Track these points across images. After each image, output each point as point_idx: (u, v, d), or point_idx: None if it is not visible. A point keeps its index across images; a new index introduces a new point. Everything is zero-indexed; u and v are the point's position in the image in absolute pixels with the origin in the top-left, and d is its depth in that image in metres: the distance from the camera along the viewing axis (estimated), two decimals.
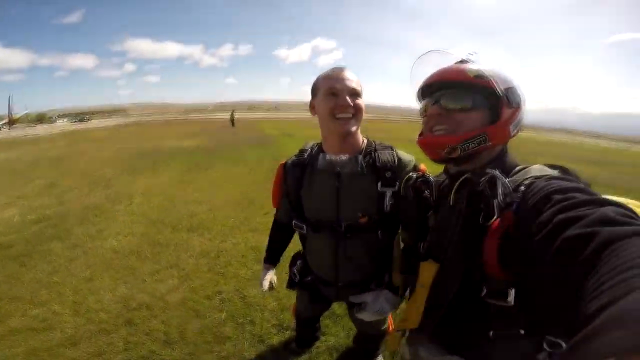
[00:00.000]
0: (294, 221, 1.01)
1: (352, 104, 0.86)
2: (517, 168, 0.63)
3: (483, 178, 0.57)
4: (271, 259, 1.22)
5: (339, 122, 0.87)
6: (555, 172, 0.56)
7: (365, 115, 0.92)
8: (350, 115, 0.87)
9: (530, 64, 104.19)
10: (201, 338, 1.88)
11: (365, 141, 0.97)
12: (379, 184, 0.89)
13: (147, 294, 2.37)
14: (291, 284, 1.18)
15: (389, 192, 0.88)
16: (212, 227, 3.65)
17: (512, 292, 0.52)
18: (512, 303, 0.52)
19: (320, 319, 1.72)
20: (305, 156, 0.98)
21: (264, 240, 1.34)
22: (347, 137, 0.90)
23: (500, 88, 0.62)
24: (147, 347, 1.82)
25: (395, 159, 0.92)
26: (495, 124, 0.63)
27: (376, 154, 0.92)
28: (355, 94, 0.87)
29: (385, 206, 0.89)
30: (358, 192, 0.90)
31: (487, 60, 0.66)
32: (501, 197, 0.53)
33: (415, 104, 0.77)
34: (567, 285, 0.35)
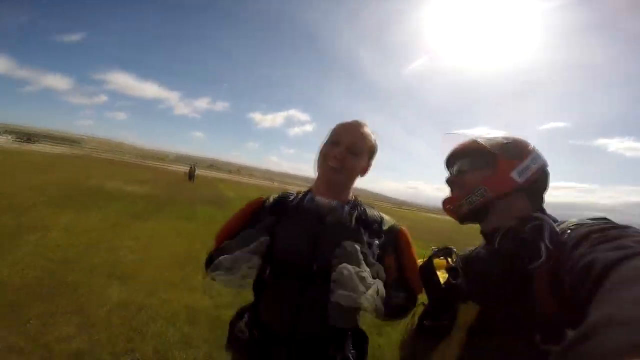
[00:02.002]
0: None
1: (341, 158, 0.88)
2: (559, 221, 0.64)
3: (529, 224, 0.61)
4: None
5: (326, 169, 0.90)
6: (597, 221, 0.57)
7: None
8: (338, 168, 0.89)
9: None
10: None
11: (354, 197, 0.99)
12: (367, 235, 0.87)
13: (26, 338, 1.83)
14: (235, 343, 0.93)
15: (376, 242, 0.87)
16: (140, 277, 3.14)
17: (570, 333, 0.50)
18: None
19: None
20: (291, 198, 0.96)
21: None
22: (335, 186, 0.93)
23: (491, 146, 0.71)
24: None
25: (379, 216, 0.95)
26: (492, 176, 0.70)
27: (362, 208, 0.93)
28: (353, 151, 0.89)
29: (372, 255, 0.84)
30: (340, 240, 0.83)
31: (491, 134, 0.80)
32: (547, 240, 0.55)
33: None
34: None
